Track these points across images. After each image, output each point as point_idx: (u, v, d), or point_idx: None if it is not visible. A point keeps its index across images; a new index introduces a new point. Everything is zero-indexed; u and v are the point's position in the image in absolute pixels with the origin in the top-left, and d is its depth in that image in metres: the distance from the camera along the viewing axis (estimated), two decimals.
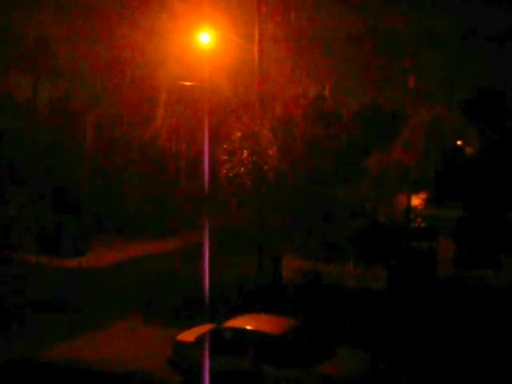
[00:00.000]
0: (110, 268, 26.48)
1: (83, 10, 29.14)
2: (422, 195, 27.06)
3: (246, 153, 23.77)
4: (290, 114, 25.17)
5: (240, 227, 27.54)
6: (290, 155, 23.90)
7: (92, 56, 28.78)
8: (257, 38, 24.29)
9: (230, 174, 23.91)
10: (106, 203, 31.39)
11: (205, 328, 15.13)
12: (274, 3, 27.02)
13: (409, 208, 26.75)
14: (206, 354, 12.79)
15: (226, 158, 24.09)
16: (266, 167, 23.74)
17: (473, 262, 23.22)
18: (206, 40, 23.53)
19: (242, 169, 23.83)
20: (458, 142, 27.67)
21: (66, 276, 25.05)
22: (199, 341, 14.44)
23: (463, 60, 28.10)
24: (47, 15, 29.20)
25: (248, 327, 14.52)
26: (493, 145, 25.84)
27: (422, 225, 26.15)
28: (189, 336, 15.32)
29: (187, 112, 27.90)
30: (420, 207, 26.75)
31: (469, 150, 27.67)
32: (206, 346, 12.93)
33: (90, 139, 30.95)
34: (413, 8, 28.33)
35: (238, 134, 24.48)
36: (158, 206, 32.13)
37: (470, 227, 23.45)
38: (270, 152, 23.98)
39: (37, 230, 28.30)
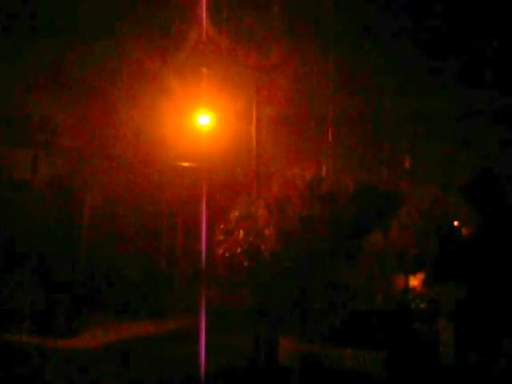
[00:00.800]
0: (103, 350, 25.92)
1: (85, 89, 29.75)
2: (420, 276, 26.85)
3: (242, 233, 23.80)
4: (286, 195, 25.29)
5: (237, 308, 27.18)
6: (286, 236, 23.86)
7: (92, 135, 29.18)
8: (254, 120, 24.82)
9: (227, 255, 23.84)
10: (101, 281, 31.03)
11: None
12: (271, 84, 27.64)
13: (407, 289, 26.47)
14: None
15: (222, 238, 24.08)
16: (262, 247, 23.69)
17: (473, 346, 22.83)
18: (204, 121, 24.01)
19: (239, 249, 23.79)
20: (455, 223, 27.74)
21: (58, 358, 24.50)
22: None
23: (462, 142, 28.59)
24: (48, 92, 29.80)
25: None
26: (489, 226, 25.92)
27: (422, 306, 25.80)
28: None
29: (185, 192, 28.10)
30: (418, 288, 26.49)
31: (465, 231, 27.72)
32: None
33: (88, 217, 30.96)
34: (412, 89, 28.99)
35: (235, 213, 24.57)
36: (154, 286, 31.80)
37: (468, 309, 23.17)
38: (267, 232, 23.98)
39: (28, 308, 27.92)
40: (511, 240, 24.48)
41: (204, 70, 23.80)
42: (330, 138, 27.42)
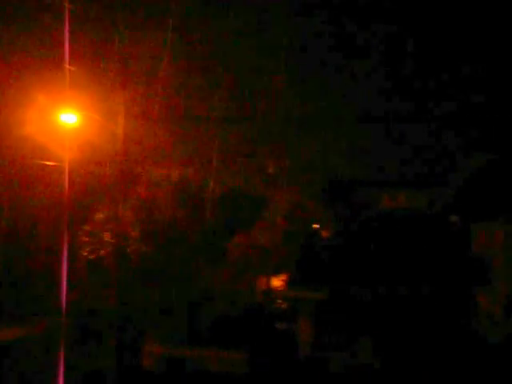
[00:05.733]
0: None
1: None
2: (283, 277, 27.82)
3: (107, 235, 23.48)
4: (152, 196, 25.19)
5: (102, 310, 26.58)
6: (153, 237, 23.81)
7: None
8: (121, 119, 24.48)
9: (91, 257, 23.40)
10: None
11: None
12: (140, 83, 27.29)
13: (269, 289, 27.29)
14: None
15: (87, 239, 23.59)
16: (128, 249, 23.51)
17: (329, 344, 24.01)
18: (68, 120, 23.33)
19: (104, 251, 23.45)
20: (315, 226, 29.02)
21: None
22: None
23: (327, 147, 29.49)
24: None
25: None
26: (346, 229, 27.42)
27: (283, 306, 26.71)
28: None
29: (47, 191, 27.08)
30: (280, 289, 27.42)
31: (325, 234, 29.07)
32: None
33: None
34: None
35: (100, 215, 24.16)
36: (12, 288, 30.28)
37: (326, 309, 24.35)
38: (133, 234, 23.82)
39: None
40: (367, 242, 26.03)
41: (69, 67, 23.07)
42: (199, 140, 27.57)
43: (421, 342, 22.65)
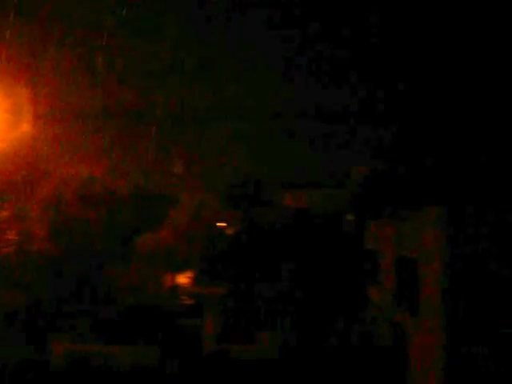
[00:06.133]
0: None
1: None
2: (188, 274, 28.47)
3: (12, 233, 23.44)
4: (60, 195, 25.25)
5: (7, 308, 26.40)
6: (59, 236, 23.92)
7: None
8: (28, 117, 24.41)
9: None
10: None
11: None
12: (49, 80, 27.06)
13: (175, 286, 27.90)
14: None
15: None
16: (33, 248, 23.54)
17: (233, 338, 24.92)
18: None
19: (8, 249, 23.39)
20: (220, 224, 29.82)
21: None
22: None
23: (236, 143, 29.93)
24: None
25: None
26: (250, 227, 28.40)
27: (189, 302, 27.36)
28: None
29: None
30: (186, 285, 28.06)
31: (229, 231, 29.93)
32: None
33: None
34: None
35: (5, 213, 24.06)
36: None
37: (229, 305, 25.25)
38: (38, 232, 23.85)
39: None
40: (269, 239, 27.10)
41: None
42: (108, 139, 27.66)
43: (318, 337, 23.92)
